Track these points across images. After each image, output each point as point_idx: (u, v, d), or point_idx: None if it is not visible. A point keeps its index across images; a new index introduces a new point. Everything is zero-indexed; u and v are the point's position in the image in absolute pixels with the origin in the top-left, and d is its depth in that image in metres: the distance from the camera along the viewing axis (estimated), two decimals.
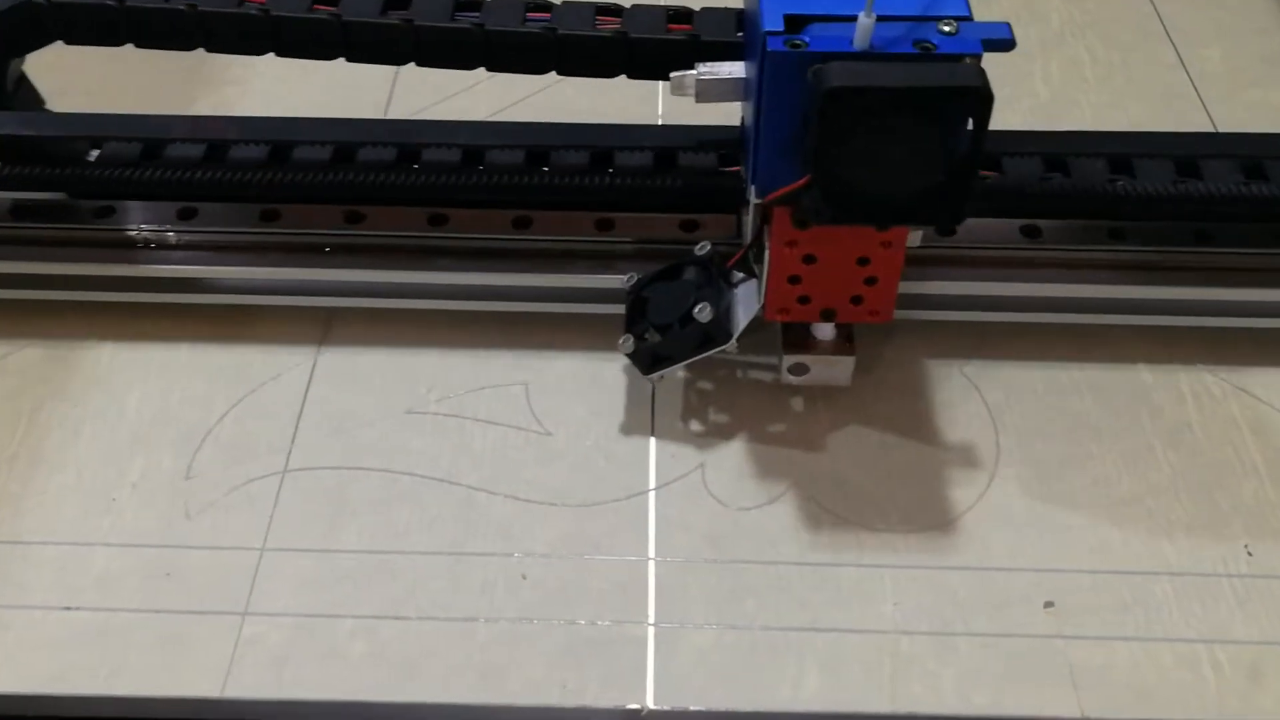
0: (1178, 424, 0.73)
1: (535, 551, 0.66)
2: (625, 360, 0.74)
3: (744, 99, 0.65)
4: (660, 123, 0.93)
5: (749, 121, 0.63)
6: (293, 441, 0.72)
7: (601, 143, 0.77)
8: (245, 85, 0.97)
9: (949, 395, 0.74)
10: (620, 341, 0.69)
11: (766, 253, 0.65)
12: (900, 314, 0.72)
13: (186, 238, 0.76)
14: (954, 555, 0.66)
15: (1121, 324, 0.76)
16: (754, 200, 0.62)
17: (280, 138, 0.77)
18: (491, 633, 0.63)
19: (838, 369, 0.71)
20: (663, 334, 0.68)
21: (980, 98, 0.55)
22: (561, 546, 0.67)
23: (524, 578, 0.65)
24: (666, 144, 0.77)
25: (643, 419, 0.73)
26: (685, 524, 0.68)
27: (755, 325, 0.69)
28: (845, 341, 0.70)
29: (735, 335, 0.68)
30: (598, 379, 0.75)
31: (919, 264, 0.73)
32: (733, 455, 0.71)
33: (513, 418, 0.73)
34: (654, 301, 0.69)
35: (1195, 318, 0.76)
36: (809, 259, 0.65)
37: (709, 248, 0.71)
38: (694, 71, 0.65)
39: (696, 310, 0.66)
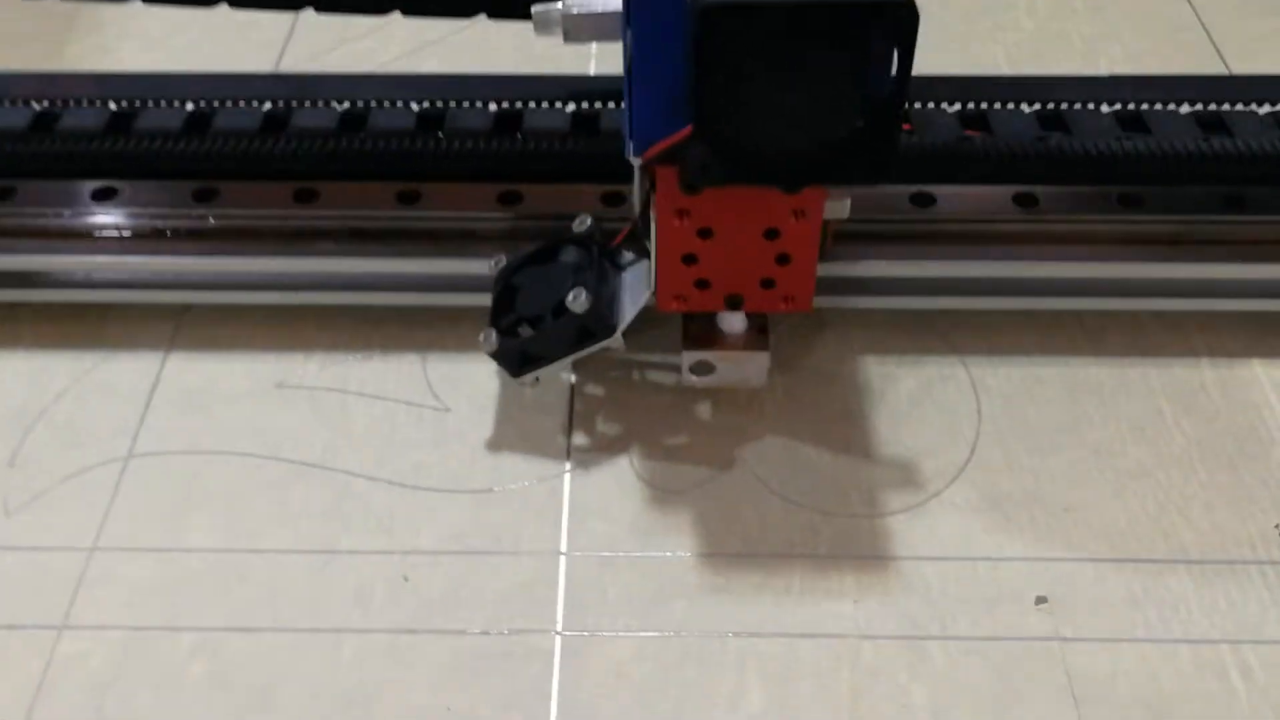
0: (1191, 384, 0.62)
1: (421, 548, 0.55)
2: None
3: (621, 38, 0.52)
4: (593, 73, 0.82)
5: (625, 66, 0.50)
6: (141, 422, 0.60)
7: (508, 97, 0.66)
8: (122, 28, 0.86)
9: (904, 383, 0.62)
10: (481, 337, 0.56)
11: (653, 227, 0.53)
12: (831, 301, 0.62)
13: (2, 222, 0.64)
14: (926, 543, 0.55)
15: (1138, 309, 0.64)
16: (634, 161, 0.50)
17: (123, 96, 0.66)
18: (363, 647, 0.51)
19: (749, 367, 0.58)
20: (534, 327, 0.56)
21: (904, 17, 0.43)
22: (453, 542, 0.55)
23: (406, 580, 0.54)
24: (588, 96, 0.65)
25: (562, 389, 0.62)
26: (605, 511, 0.56)
27: (653, 317, 0.57)
28: (758, 334, 0.58)
29: (620, 328, 0.56)
30: None
31: (876, 241, 0.61)
32: (665, 429, 0.60)
33: (404, 391, 0.62)
34: (525, 290, 0.57)
35: (1229, 300, 0.63)
36: (705, 233, 0.53)
37: (589, 223, 0.58)
38: (559, 5, 0.53)
39: (570, 298, 0.54)
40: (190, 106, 0.66)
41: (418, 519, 0.56)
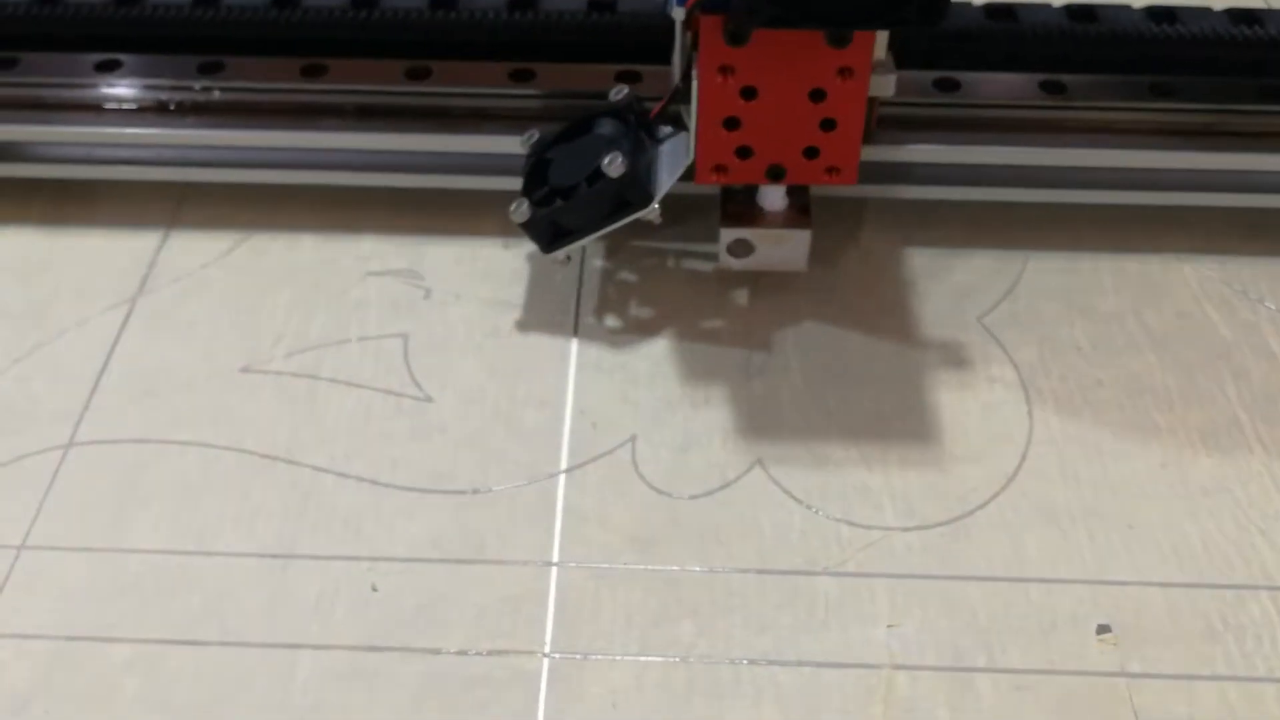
0: (1271, 388, 0.55)
1: (393, 554, 0.48)
2: (539, 309, 0.57)
3: None
4: None
5: None
6: (87, 405, 0.54)
7: None
8: None
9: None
10: (512, 208, 0.53)
11: (695, 86, 0.50)
12: (882, 190, 0.59)
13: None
14: (972, 561, 0.48)
15: (1170, 204, 0.60)
16: (676, 14, 0.49)
17: None
18: (320, 666, 0.45)
19: (790, 248, 0.56)
20: (566, 199, 0.53)
21: None
22: (430, 548, 0.48)
23: (374, 590, 0.47)
24: None
25: (558, 377, 0.55)
26: (603, 517, 0.50)
27: (691, 206, 0.55)
28: (799, 213, 0.55)
29: (657, 197, 0.53)
30: (500, 328, 0.57)
31: (908, 127, 0.58)
32: (673, 424, 0.53)
33: (382, 378, 0.55)
34: (559, 163, 0.54)
35: (1262, 195, 0.60)
36: (749, 92, 0.51)
37: (625, 92, 0.55)
38: None
39: (607, 162, 0.51)
40: None
41: (390, 521, 0.49)
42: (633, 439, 0.53)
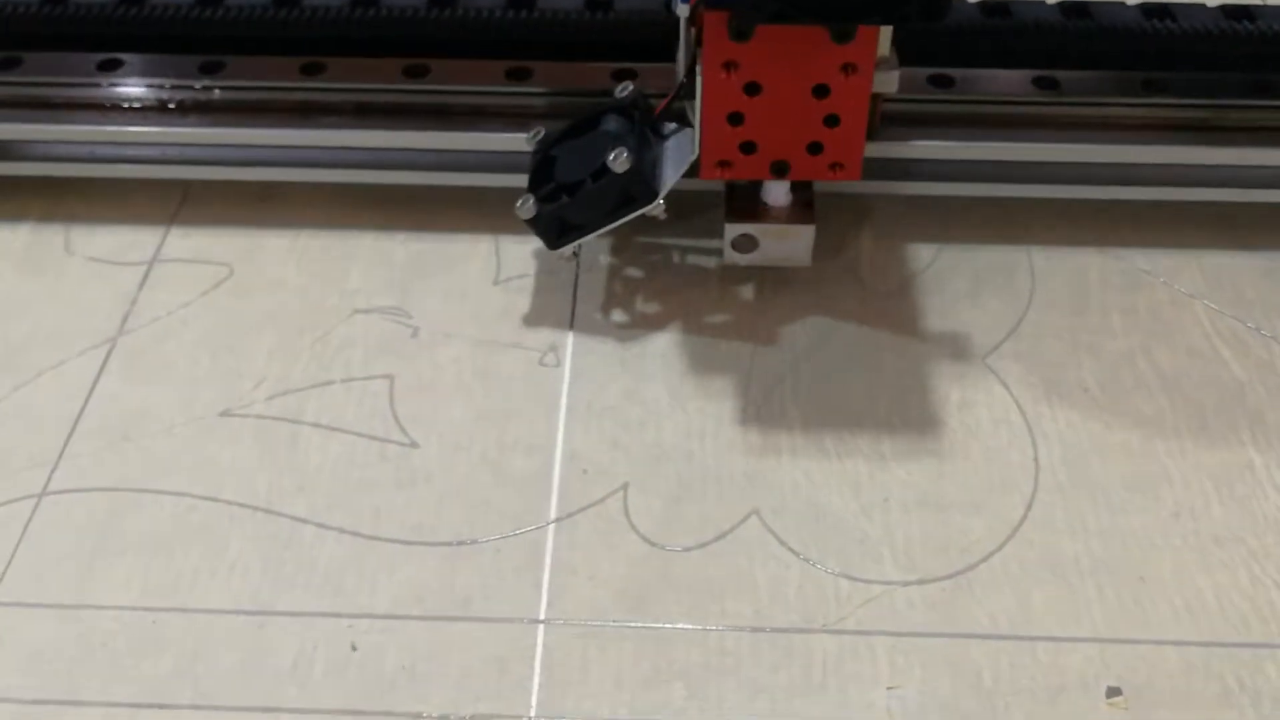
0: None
1: (374, 611, 0.46)
2: (530, 348, 0.55)
3: None
4: None
5: None
6: (61, 452, 0.52)
7: None
8: None
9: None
10: (519, 204, 0.53)
11: (700, 82, 0.51)
12: (879, 186, 0.59)
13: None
14: (976, 617, 0.46)
15: (1163, 199, 0.60)
16: (680, 10, 0.50)
17: None
18: None
19: (794, 243, 0.56)
20: (572, 195, 0.53)
21: None
22: (412, 604, 0.47)
23: (354, 649, 0.45)
24: None
25: (549, 420, 0.53)
26: (593, 571, 0.48)
27: (695, 202, 0.56)
28: (803, 208, 0.56)
29: (662, 192, 0.53)
30: (489, 369, 0.55)
31: (905, 122, 0.59)
32: (666, 471, 0.51)
33: (366, 423, 0.53)
34: (565, 159, 0.55)
35: (1255, 190, 0.60)
36: (753, 88, 0.51)
37: (630, 89, 0.55)
38: None
39: (612, 158, 0.51)
40: None
41: (372, 576, 0.48)
42: (625, 487, 0.51)
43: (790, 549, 0.48)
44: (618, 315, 0.58)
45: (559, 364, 0.55)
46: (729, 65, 0.50)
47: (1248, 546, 0.49)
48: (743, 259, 0.56)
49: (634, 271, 0.59)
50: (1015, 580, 0.47)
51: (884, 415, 0.53)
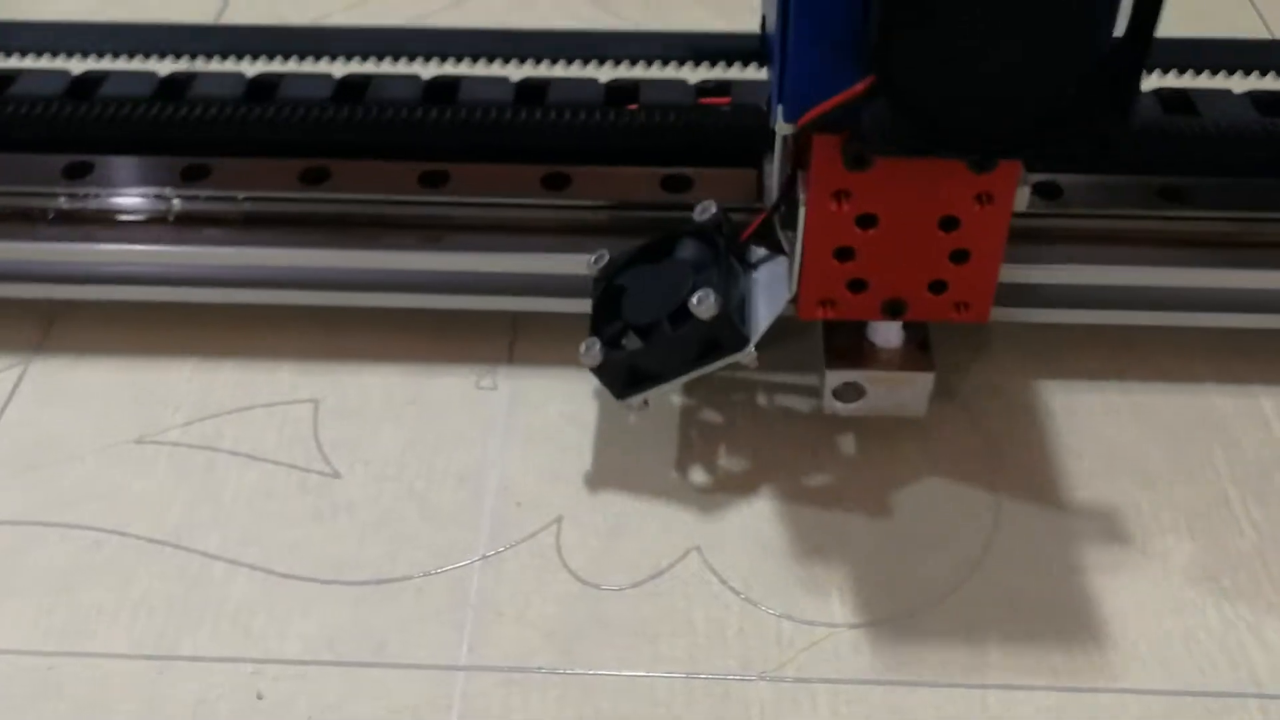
0: (1264, 462, 0.50)
1: (283, 656, 0.43)
2: (464, 372, 0.52)
3: None
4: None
5: (770, 8, 0.42)
6: None
7: (542, 54, 0.55)
8: None
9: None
10: (583, 349, 0.45)
11: (802, 212, 0.43)
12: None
13: None
14: (926, 663, 0.43)
15: (1179, 325, 0.52)
16: (782, 129, 0.40)
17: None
18: None
19: (908, 391, 0.48)
20: (645, 339, 0.45)
21: None
22: (324, 648, 0.44)
23: (260, 698, 0.42)
24: (645, 55, 0.55)
25: (483, 450, 0.50)
26: (520, 612, 0.45)
27: (787, 327, 0.46)
28: (918, 350, 0.48)
29: (754, 340, 0.45)
30: (424, 391, 0.52)
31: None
32: (603, 504, 0.48)
33: (288, 451, 0.50)
34: (633, 292, 0.47)
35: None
36: (866, 220, 0.43)
37: (714, 210, 0.47)
38: None
39: (695, 301, 0.43)
40: (73, 66, 0.57)
41: (284, 617, 0.45)
42: (559, 520, 0.48)
43: (731, 588, 0.46)
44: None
45: (495, 388, 0.53)
46: (840, 194, 0.42)
47: (1220, 586, 0.46)
48: (845, 409, 0.48)
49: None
50: (970, 624, 0.44)
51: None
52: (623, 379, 0.46)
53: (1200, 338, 0.54)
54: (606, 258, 0.48)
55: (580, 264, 0.49)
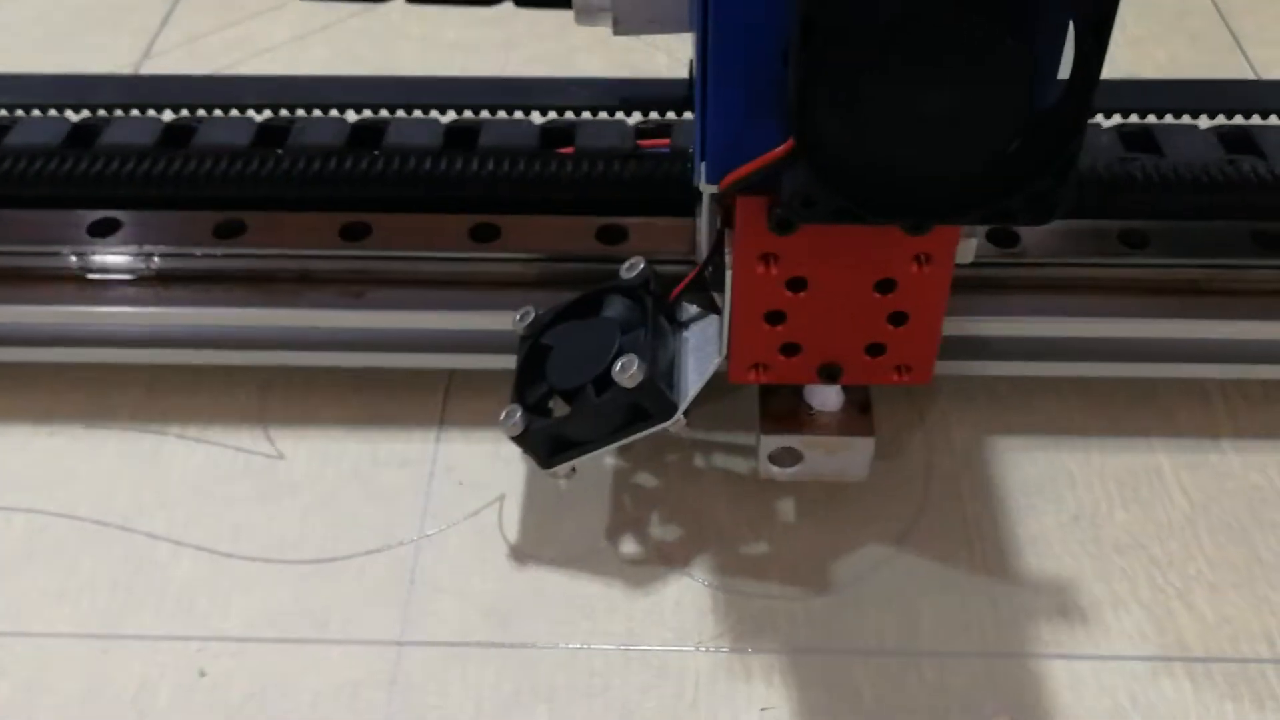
0: (1198, 426, 0.50)
1: (226, 634, 0.44)
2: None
3: (691, 27, 0.41)
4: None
5: (696, 63, 0.39)
6: None
7: (473, 100, 0.53)
8: None
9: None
10: (502, 416, 0.43)
11: (728, 275, 0.41)
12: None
13: None
14: (861, 633, 0.44)
15: (1139, 376, 0.51)
16: (705, 188, 0.38)
17: None
18: None
19: (848, 456, 0.46)
20: (570, 401, 0.43)
21: None
22: (266, 626, 0.44)
23: (202, 675, 0.43)
24: (586, 103, 0.53)
25: (426, 431, 0.51)
26: (461, 588, 0.46)
27: (721, 386, 0.45)
28: (859, 413, 0.45)
29: (682, 407, 0.43)
30: (366, 377, 0.53)
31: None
32: (547, 482, 0.49)
33: (234, 434, 0.51)
34: (559, 352, 0.45)
35: (1259, 366, 0.51)
36: (797, 284, 0.41)
37: (642, 267, 0.45)
38: None
39: (619, 368, 0.41)
40: None
41: (226, 596, 0.45)
42: (500, 499, 0.48)
43: (671, 562, 0.46)
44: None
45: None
46: (768, 257, 0.40)
47: (1149, 554, 0.46)
48: (782, 474, 0.46)
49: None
50: (904, 593, 0.45)
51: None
52: (546, 447, 0.44)
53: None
54: (533, 314, 0.46)
55: (509, 320, 0.47)
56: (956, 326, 0.48)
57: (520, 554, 0.47)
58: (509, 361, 0.46)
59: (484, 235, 0.51)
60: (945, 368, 0.49)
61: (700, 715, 0.42)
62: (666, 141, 0.52)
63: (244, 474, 0.49)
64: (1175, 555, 0.46)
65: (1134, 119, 0.53)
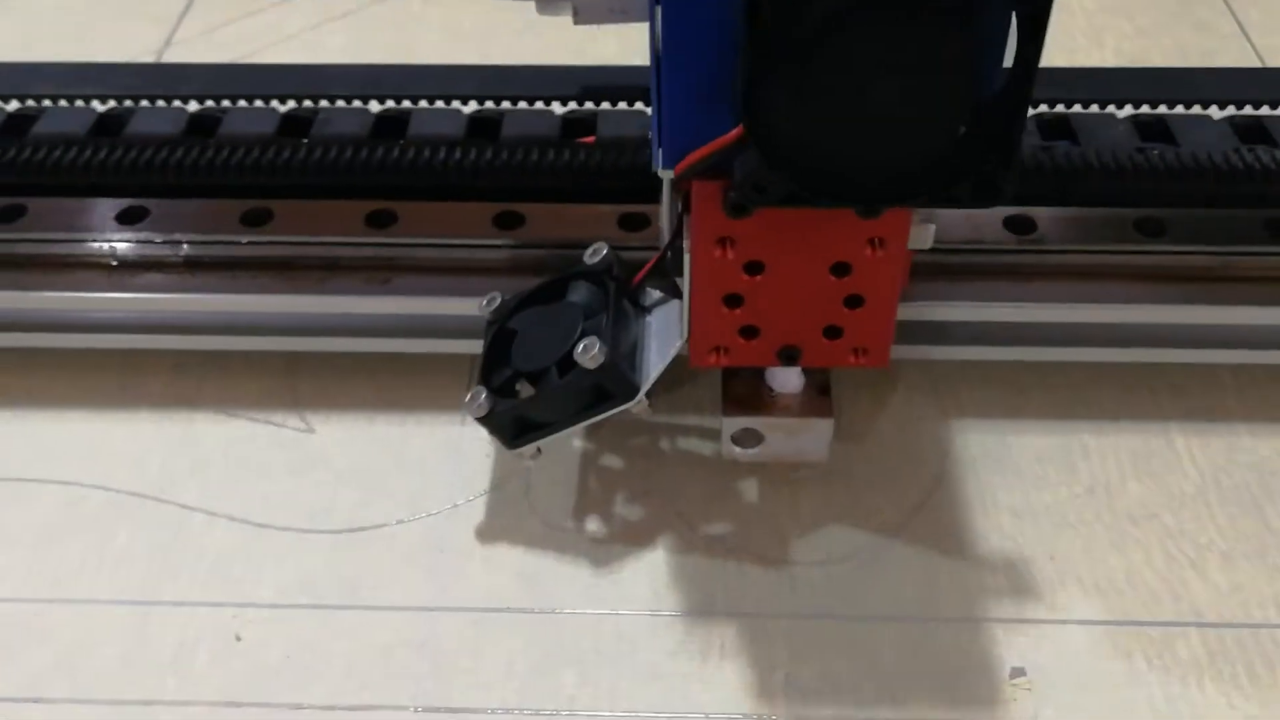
0: (1210, 399, 0.51)
1: (260, 600, 0.45)
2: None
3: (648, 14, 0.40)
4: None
5: (650, 49, 0.39)
6: None
7: (494, 92, 0.54)
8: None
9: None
10: (467, 398, 0.44)
11: (686, 259, 0.42)
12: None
13: None
14: (880, 598, 0.45)
15: (1154, 361, 0.52)
16: (663, 174, 0.39)
17: None
18: None
19: (807, 437, 0.47)
20: (534, 383, 0.44)
21: None
22: (300, 592, 0.45)
23: (238, 639, 0.44)
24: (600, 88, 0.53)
25: (454, 403, 0.52)
26: (489, 555, 0.47)
27: (686, 370, 0.46)
28: (818, 395, 0.47)
29: (644, 388, 0.44)
30: (400, 361, 0.54)
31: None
32: (573, 453, 0.50)
33: (266, 407, 0.52)
34: (525, 336, 0.46)
35: (1264, 351, 0.51)
36: (754, 267, 0.41)
37: (605, 253, 0.46)
38: None
39: (581, 350, 0.42)
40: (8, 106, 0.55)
41: (260, 564, 0.46)
42: (528, 471, 0.49)
43: (695, 529, 0.47)
44: None
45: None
46: (724, 241, 0.40)
47: (1163, 523, 0.47)
48: (744, 455, 0.47)
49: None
50: (923, 560, 0.46)
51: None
52: (511, 429, 0.45)
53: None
54: (499, 299, 0.47)
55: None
56: (973, 312, 0.50)
57: (548, 523, 0.48)
58: None
59: (508, 223, 0.52)
60: (964, 352, 0.51)
61: (726, 673, 0.43)
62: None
63: (275, 447, 0.50)
64: (1188, 525, 0.47)
65: (1145, 109, 0.54)
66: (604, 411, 0.44)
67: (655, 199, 0.50)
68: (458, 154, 0.50)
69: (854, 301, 0.42)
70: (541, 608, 0.45)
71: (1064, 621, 0.44)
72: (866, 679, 0.43)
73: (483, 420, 0.44)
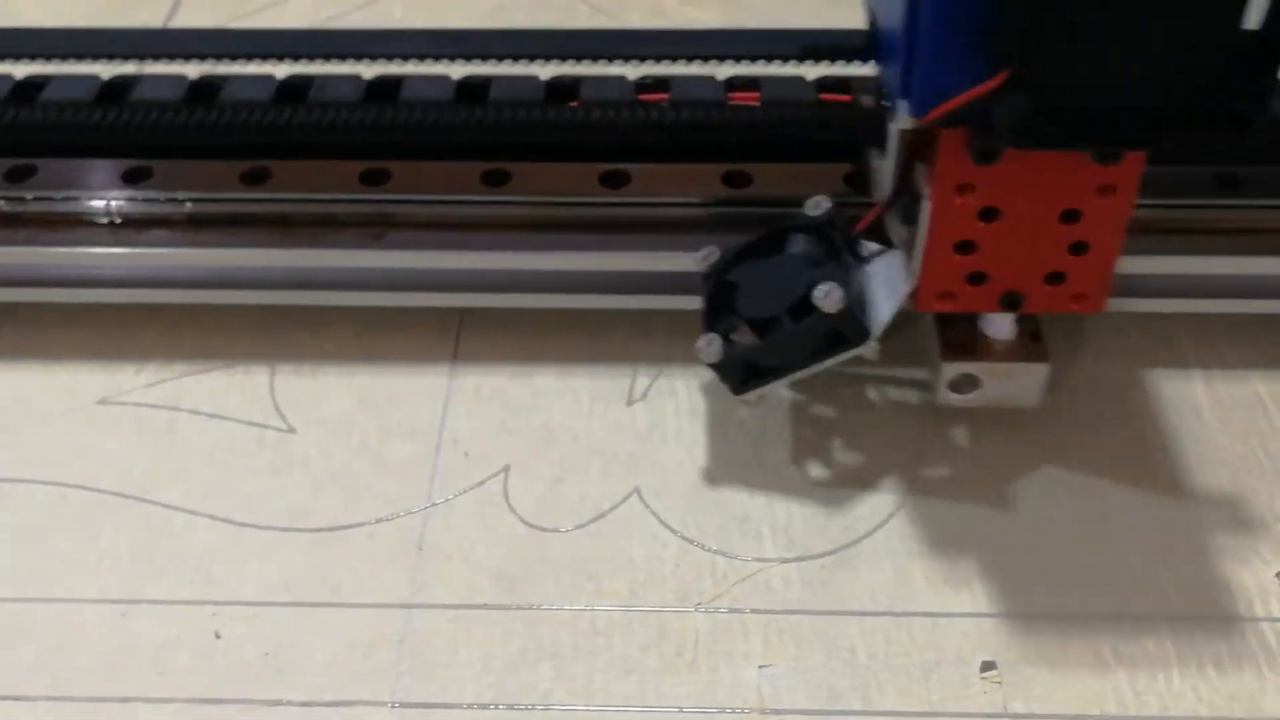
0: (1185, 396, 0.52)
1: (242, 598, 0.46)
2: (417, 333, 0.54)
3: None
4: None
5: (886, 5, 0.41)
6: None
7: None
8: None
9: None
10: (699, 345, 0.45)
11: (925, 205, 0.44)
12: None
13: None
14: (854, 594, 0.46)
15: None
16: (903, 124, 0.41)
17: None
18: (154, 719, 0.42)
19: (1023, 382, 0.49)
20: (762, 333, 0.46)
21: None
22: (281, 591, 0.46)
23: (218, 637, 0.45)
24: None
25: (433, 405, 0.52)
26: (468, 554, 0.47)
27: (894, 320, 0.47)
28: (1032, 341, 0.49)
29: (876, 332, 0.45)
30: (375, 352, 0.54)
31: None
32: (550, 454, 0.50)
33: (246, 409, 0.52)
34: (746, 287, 0.47)
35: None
36: (989, 214, 0.43)
37: (827, 206, 0.48)
38: None
39: (821, 295, 0.43)
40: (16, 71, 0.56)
41: (242, 562, 0.47)
42: (506, 469, 0.50)
43: (669, 527, 0.48)
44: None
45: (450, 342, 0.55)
46: (964, 188, 0.43)
47: (1136, 518, 0.48)
48: (960, 400, 0.49)
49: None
50: (896, 555, 0.47)
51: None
52: (740, 373, 0.47)
53: None
54: (716, 253, 0.48)
55: (521, 260, 0.51)
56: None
57: (526, 521, 0.48)
58: (518, 300, 0.53)
59: (495, 180, 0.54)
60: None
61: (700, 672, 0.43)
62: (665, 96, 0.54)
63: (256, 448, 0.51)
64: None
65: None
66: (836, 355, 0.46)
67: (635, 159, 0.54)
68: (451, 114, 0.52)
69: (1079, 248, 0.44)
70: (518, 604, 0.45)
71: (1034, 615, 0.45)
72: (840, 673, 0.43)
73: (715, 366, 0.46)
